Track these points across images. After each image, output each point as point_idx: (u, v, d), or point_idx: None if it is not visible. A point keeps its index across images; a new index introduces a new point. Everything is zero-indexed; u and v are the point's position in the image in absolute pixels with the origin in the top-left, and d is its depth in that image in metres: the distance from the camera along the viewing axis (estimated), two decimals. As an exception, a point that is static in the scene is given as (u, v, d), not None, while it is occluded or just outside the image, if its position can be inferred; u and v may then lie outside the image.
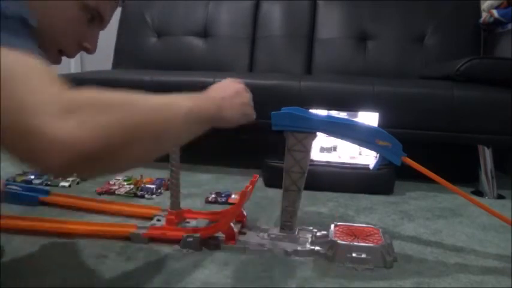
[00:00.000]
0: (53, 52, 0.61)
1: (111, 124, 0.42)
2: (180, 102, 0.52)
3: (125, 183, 1.26)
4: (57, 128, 0.39)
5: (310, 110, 0.90)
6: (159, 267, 0.76)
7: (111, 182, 1.27)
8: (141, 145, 0.46)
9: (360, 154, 1.32)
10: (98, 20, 0.64)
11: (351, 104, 1.31)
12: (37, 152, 0.39)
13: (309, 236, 0.89)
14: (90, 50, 0.65)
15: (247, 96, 0.69)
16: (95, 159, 0.41)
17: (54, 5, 0.58)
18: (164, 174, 1.33)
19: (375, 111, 1.26)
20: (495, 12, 1.70)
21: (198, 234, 0.85)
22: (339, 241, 0.81)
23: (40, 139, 0.39)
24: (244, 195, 0.86)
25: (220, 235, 0.87)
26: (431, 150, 1.47)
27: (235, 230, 0.87)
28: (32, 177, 1.29)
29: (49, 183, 1.26)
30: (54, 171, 0.42)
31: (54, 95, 0.42)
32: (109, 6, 0.65)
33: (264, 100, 1.36)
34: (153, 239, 0.87)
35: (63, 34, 0.60)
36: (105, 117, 0.42)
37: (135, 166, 0.49)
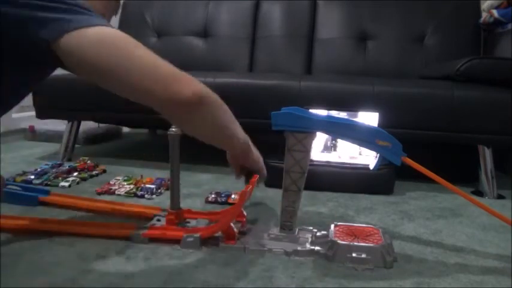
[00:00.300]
0: None
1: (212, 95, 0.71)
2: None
3: (125, 183, 1.26)
4: (189, 77, 0.67)
5: (310, 110, 0.90)
6: (159, 267, 0.76)
7: (111, 182, 1.27)
8: (218, 116, 0.74)
9: (360, 154, 1.32)
10: None
11: (351, 104, 1.31)
12: (176, 88, 0.64)
13: (309, 236, 0.89)
14: None
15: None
16: (204, 104, 0.68)
17: None
18: (164, 174, 1.33)
19: (375, 111, 1.26)
20: (495, 12, 1.70)
21: (198, 234, 0.85)
22: (339, 241, 0.81)
23: (180, 79, 0.65)
24: (244, 195, 0.86)
25: (220, 235, 0.87)
26: (431, 150, 1.47)
27: (235, 230, 0.87)
28: (32, 177, 1.29)
29: (49, 183, 1.26)
30: (183, 101, 0.65)
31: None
32: (110, 7, 0.66)
33: (264, 100, 1.38)
34: (153, 239, 0.87)
35: None
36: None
37: (206, 132, 0.74)
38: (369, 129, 0.85)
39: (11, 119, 2.03)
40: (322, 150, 1.33)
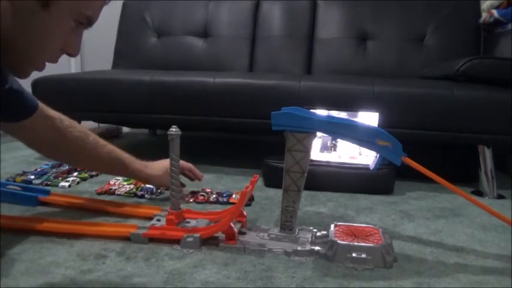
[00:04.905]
0: (40, 63, 0.62)
1: None
2: None
3: (125, 183, 1.26)
4: None
5: (311, 110, 0.90)
6: (159, 267, 0.77)
7: (111, 182, 1.27)
8: None
9: (360, 154, 1.32)
10: (87, 23, 0.63)
11: (351, 104, 1.30)
12: None
13: (309, 236, 0.89)
14: (74, 55, 0.65)
15: None
16: None
17: (48, 21, 0.58)
18: (164, 174, 1.33)
19: (375, 111, 1.26)
20: (495, 12, 1.70)
21: (198, 234, 0.85)
22: (339, 241, 0.81)
23: None
24: (244, 195, 0.86)
25: (220, 235, 0.87)
26: (431, 150, 1.47)
27: (235, 229, 0.87)
28: (32, 177, 1.29)
29: (49, 183, 1.26)
30: None
31: None
32: (99, 7, 0.64)
33: (264, 100, 1.38)
34: (153, 239, 0.87)
35: (50, 46, 0.61)
36: None
37: None
38: (369, 129, 0.85)
39: (11, 119, 2.02)
40: (322, 150, 1.33)
